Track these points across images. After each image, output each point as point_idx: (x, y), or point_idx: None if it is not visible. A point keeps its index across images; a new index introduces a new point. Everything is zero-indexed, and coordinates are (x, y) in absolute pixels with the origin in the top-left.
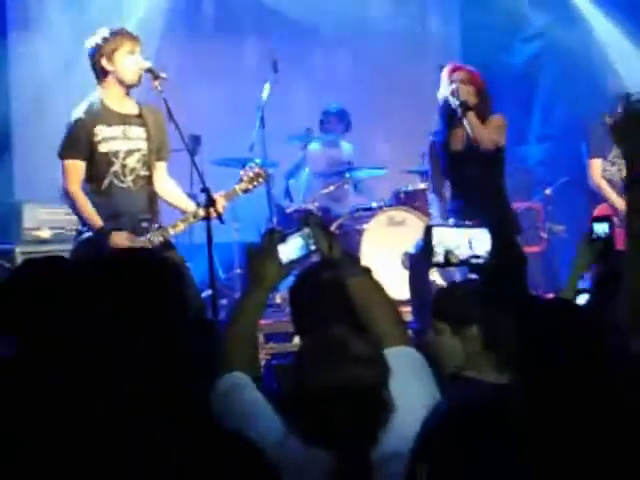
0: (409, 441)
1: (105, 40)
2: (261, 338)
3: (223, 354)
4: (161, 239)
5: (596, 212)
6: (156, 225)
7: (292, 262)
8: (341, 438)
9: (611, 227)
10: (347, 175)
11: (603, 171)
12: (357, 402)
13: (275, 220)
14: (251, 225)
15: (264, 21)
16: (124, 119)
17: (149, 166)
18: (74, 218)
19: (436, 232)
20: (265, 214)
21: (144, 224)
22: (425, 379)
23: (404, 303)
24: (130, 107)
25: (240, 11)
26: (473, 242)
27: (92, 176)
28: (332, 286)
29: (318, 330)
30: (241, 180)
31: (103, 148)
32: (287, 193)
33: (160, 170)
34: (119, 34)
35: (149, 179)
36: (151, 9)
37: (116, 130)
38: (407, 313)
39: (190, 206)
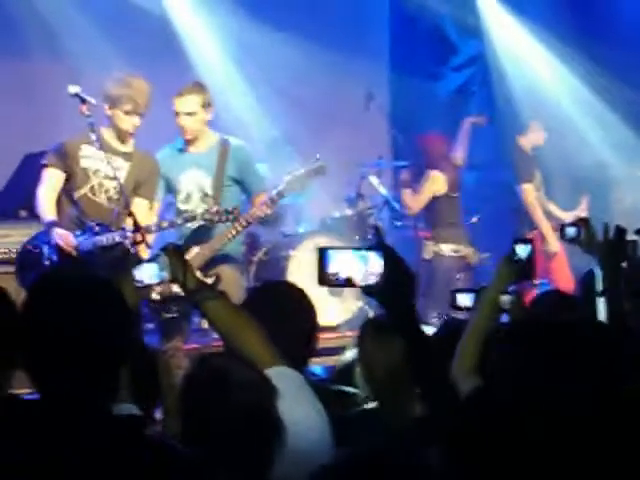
0: (303, 464)
1: None
2: (187, 362)
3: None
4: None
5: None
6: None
7: (146, 287)
8: (239, 460)
9: (532, 249)
10: None
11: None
12: (248, 425)
13: None
14: None
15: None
16: (114, 150)
17: (123, 195)
18: (10, 240)
19: (332, 254)
20: None
21: None
22: (308, 397)
23: (331, 329)
24: (125, 146)
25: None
26: (368, 264)
27: (70, 186)
28: None
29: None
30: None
31: (84, 164)
32: None
33: (137, 206)
34: None
35: (125, 206)
36: None
37: (101, 155)
38: (335, 339)
39: None
